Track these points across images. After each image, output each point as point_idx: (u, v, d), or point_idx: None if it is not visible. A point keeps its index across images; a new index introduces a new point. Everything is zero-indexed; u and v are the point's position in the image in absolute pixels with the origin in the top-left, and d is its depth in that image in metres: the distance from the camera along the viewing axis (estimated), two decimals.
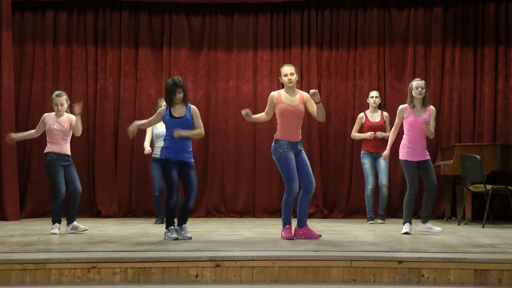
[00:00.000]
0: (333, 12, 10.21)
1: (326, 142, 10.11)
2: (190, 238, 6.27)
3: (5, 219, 9.00)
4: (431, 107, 7.04)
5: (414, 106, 6.97)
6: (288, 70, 6.44)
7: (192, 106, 6.45)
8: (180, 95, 6.30)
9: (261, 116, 6.63)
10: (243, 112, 6.44)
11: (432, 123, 6.99)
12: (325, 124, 9.95)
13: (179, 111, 6.34)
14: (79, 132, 7.23)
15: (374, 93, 8.99)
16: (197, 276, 4.85)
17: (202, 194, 10.12)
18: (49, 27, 10.13)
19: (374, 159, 8.86)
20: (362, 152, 8.96)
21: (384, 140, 8.65)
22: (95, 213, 10.01)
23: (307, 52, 10.15)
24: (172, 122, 6.30)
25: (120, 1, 10.16)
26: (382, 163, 8.74)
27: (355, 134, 9.02)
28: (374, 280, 4.85)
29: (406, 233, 6.89)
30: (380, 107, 9.08)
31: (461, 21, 9.98)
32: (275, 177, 9.91)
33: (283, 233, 6.37)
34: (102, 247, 5.53)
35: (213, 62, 10.29)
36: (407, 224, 6.98)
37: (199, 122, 6.44)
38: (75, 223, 7.14)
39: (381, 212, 8.89)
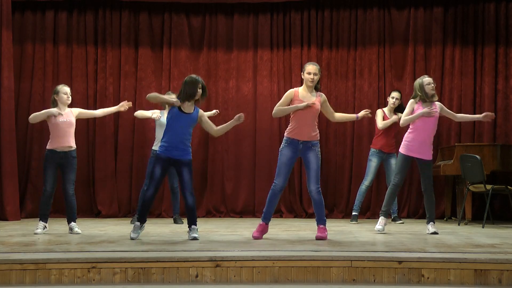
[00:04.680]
0: (333, 12, 10.21)
1: (326, 142, 10.10)
2: (196, 239, 6.11)
3: (5, 219, 8.99)
4: (437, 102, 7.09)
5: (425, 101, 6.97)
6: (312, 69, 6.35)
7: (200, 110, 6.39)
8: (200, 91, 6.23)
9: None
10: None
11: (449, 111, 7.27)
12: (325, 124, 9.92)
13: (188, 109, 6.26)
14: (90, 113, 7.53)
15: (395, 94, 8.87)
16: (197, 276, 4.85)
17: (202, 194, 10.12)
18: (49, 27, 10.12)
19: (384, 159, 8.82)
20: (373, 149, 8.84)
21: (396, 140, 8.60)
22: (95, 213, 10.01)
23: (307, 52, 10.15)
24: (180, 116, 6.18)
25: (120, 1, 10.15)
26: (392, 163, 8.71)
27: (383, 122, 8.71)
28: (374, 280, 4.85)
29: (379, 231, 6.93)
30: (399, 108, 8.82)
31: (461, 21, 9.98)
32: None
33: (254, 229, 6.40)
34: (102, 247, 5.53)
35: (213, 62, 10.29)
36: (382, 218, 7.04)
37: (209, 122, 6.46)
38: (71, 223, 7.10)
39: (395, 214, 8.82)
